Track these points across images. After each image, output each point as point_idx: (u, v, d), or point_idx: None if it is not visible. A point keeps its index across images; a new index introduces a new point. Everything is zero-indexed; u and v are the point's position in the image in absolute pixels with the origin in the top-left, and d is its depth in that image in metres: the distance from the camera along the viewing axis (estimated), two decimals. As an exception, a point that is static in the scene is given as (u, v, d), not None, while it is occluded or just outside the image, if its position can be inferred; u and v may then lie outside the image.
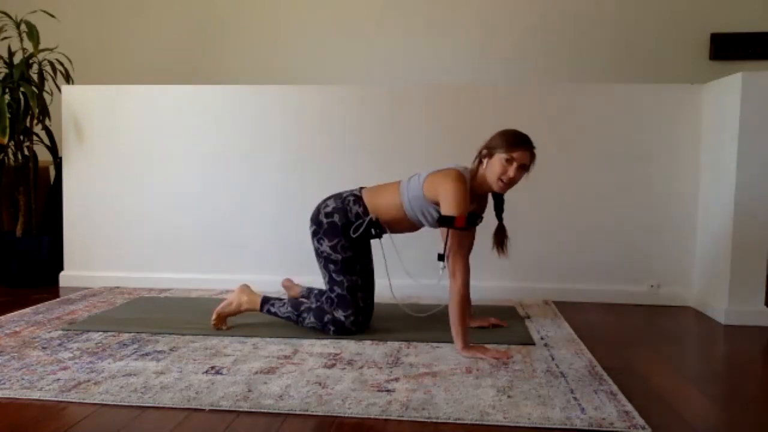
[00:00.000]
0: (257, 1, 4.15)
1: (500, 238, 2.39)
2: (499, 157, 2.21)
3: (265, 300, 2.44)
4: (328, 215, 2.35)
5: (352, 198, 2.37)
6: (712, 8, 3.82)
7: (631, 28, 3.89)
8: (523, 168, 2.23)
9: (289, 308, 2.41)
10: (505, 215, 2.41)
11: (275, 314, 2.42)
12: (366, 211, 2.34)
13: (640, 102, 3.13)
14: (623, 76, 3.84)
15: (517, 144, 2.21)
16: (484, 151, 2.27)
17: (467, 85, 3.56)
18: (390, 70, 4.06)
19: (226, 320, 2.47)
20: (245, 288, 2.48)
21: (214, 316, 2.45)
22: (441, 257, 2.24)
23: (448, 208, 2.18)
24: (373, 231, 2.35)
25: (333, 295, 2.36)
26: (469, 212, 2.32)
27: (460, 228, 2.15)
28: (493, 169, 2.22)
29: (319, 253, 2.37)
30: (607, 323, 2.73)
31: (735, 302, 2.74)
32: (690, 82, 3.21)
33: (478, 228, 2.44)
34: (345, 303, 2.34)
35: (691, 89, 3.10)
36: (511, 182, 2.23)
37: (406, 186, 2.33)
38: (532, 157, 2.25)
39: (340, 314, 2.34)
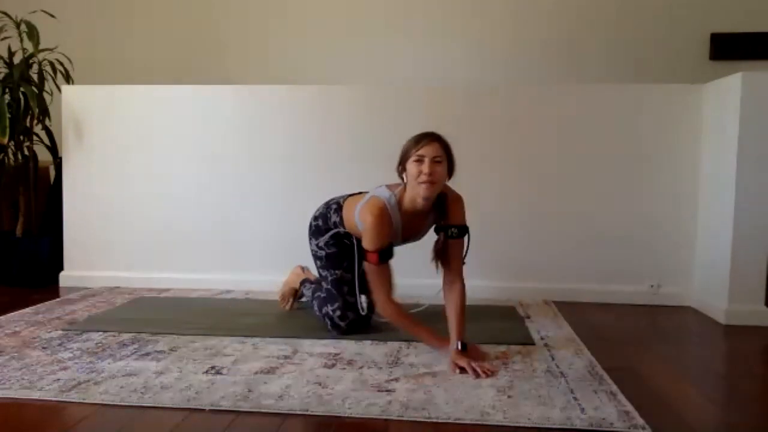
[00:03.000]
0: (257, 1, 4.15)
1: (439, 252, 2.21)
2: (411, 163, 2.09)
3: (305, 279, 2.70)
4: (315, 218, 2.49)
5: (334, 206, 2.43)
6: (712, 8, 3.82)
7: (631, 28, 3.89)
8: (438, 161, 2.07)
9: (311, 291, 2.57)
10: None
11: (302, 295, 2.71)
12: (342, 222, 2.38)
13: (640, 102, 3.13)
14: (623, 76, 3.84)
15: (419, 140, 2.10)
16: (399, 168, 2.17)
17: (467, 85, 3.56)
18: (391, 71, 4.06)
19: (289, 299, 2.78)
20: (297, 268, 2.81)
21: (279, 297, 2.80)
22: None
23: (363, 241, 2.16)
24: (346, 241, 2.40)
25: (324, 290, 2.44)
26: (406, 236, 2.30)
27: (374, 263, 2.12)
28: (410, 175, 2.10)
29: (310, 250, 2.50)
30: (607, 323, 2.73)
31: (735, 302, 2.74)
32: (690, 82, 3.21)
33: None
34: (332, 297, 2.39)
35: (691, 89, 3.10)
36: (430, 178, 2.05)
37: (362, 203, 2.26)
38: (445, 148, 2.12)
39: (329, 308, 2.39)
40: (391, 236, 2.20)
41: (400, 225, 2.23)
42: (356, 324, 2.39)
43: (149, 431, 1.56)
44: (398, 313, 2.16)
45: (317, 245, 2.43)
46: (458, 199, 2.24)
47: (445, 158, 2.11)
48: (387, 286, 2.20)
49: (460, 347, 2.04)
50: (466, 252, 2.21)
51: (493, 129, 3.22)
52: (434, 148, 2.08)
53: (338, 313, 2.36)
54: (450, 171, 2.15)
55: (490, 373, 1.94)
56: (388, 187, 2.24)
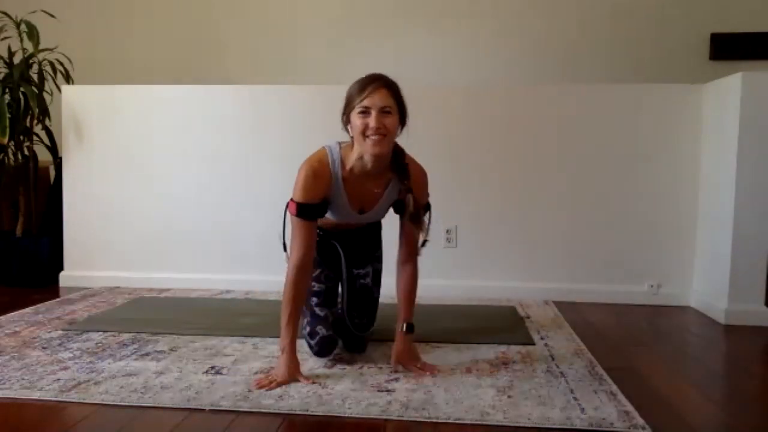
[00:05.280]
0: (257, 1, 4.15)
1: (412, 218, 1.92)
2: (355, 114, 1.79)
3: None
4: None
5: None
6: (712, 8, 3.81)
7: (630, 28, 3.88)
8: (387, 112, 1.78)
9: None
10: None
11: None
12: None
13: (640, 102, 3.13)
14: (623, 76, 3.84)
15: (363, 87, 1.78)
16: (344, 118, 1.85)
17: (468, 86, 3.56)
18: (391, 71, 4.04)
19: None
20: None
21: None
22: (285, 247, 2.03)
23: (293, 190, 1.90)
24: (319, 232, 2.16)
25: None
26: (359, 206, 1.99)
27: (293, 213, 1.91)
28: (355, 129, 1.79)
29: None
30: (607, 323, 2.73)
31: (735, 302, 2.74)
32: (690, 82, 3.21)
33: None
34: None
35: (691, 89, 3.10)
36: (378, 133, 1.76)
37: None
38: (395, 95, 1.81)
39: (304, 321, 2.10)
40: (326, 193, 1.92)
41: (341, 183, 1.91)
42: (332, 343, 2.05)
43: (149, 431, 1.56)
44: (290, 289, 1.85)
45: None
46: (422, 174, 1.97)
47: (396, 107, 1.81)
48: (304, 249, 1.89)
49: (405, 329, 1.96)
50: (428, 230, 1.95)
51: (493, 129, 3.22)
52: (382, 97, 1.78)
53: (308, 329, 2.05)
54: (402, 120, 1.86)
55: (437, 372, 1.93)
56: (341, 142, 1.96)
